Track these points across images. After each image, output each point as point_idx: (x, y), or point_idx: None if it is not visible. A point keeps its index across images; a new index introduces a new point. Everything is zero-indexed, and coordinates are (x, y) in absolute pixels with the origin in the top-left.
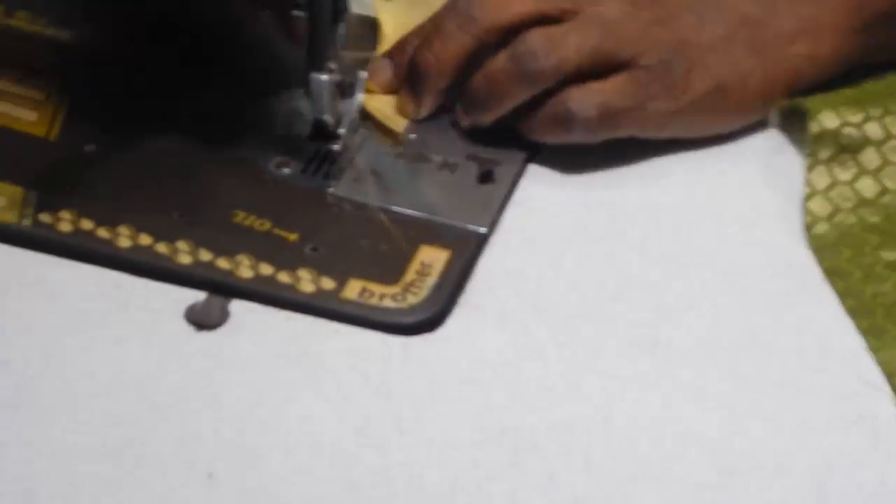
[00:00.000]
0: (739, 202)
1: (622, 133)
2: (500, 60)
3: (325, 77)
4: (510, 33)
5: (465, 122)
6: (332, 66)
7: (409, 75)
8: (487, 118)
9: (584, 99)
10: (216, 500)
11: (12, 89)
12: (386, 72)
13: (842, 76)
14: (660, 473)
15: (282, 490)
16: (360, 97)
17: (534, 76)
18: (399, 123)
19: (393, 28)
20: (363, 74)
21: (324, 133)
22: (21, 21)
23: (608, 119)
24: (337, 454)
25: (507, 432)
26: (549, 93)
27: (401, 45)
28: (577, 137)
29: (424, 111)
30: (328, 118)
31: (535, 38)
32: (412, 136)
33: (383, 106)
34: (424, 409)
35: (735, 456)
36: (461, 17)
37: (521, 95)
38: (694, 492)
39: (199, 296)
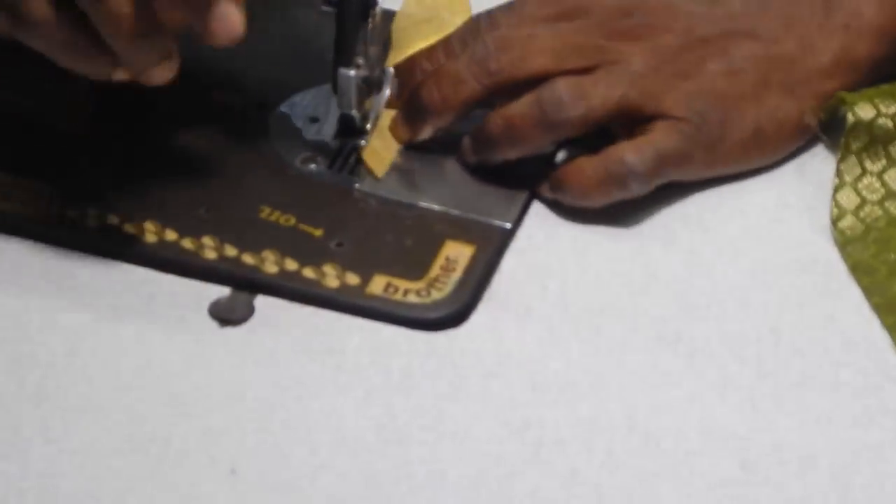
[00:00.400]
0: (766, 197)
1: (667, 179)
2: (523, 106)
3: (352, 72)
4: (526, 85)
5: (472, 159)
6: (360, 61)
7: (410, 104)
8: (494, 160)
9: (639, 151)
10: (239, 496)
11: (40, 85)
12: (402, 128)
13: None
14: (683, 469)
15: (304, 485)
16: (387, 93)
17: (559, 125)
18: (380, 166)
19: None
20: (391, 70)
21: (350, 128)
22: None
23: (662, 166)
24: (360, 449)
25: (530, 427)
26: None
27: (409, 65)
28: (629, 192)
29: (417, 140)
30: (355, 113)
31: (563, 87)
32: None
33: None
34: (448, 404)
35: (758, 451)
36: (477, 66)
37: (540, 143)
38: (717, 487)
39: (223, 291)
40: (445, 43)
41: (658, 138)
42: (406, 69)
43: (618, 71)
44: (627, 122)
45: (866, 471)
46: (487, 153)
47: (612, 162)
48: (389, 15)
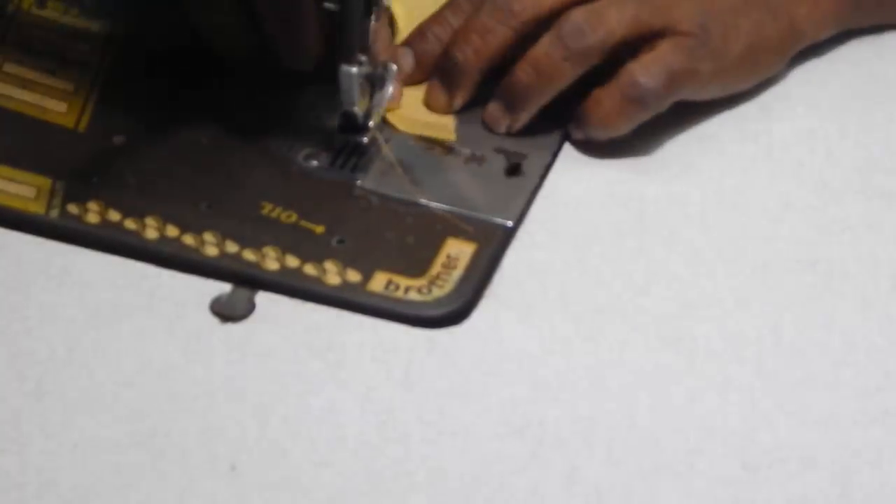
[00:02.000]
0: (766, 196)
1: (679, 96)
2: (545, 45)
3: (354, 69)
4: (548, 23)
5: (504, 121)
6: (362, 58)
7: (443, 69)
8: (530, 111)
9: (649, 70)
10: (239, 493)
11: (42, 80)
12: (408, 62)
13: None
14: (683, 468)
15: (304, 482)
16: (390, 90)
17: (583, 53)
18: (447, 131)
19: (405, 19)
20: (394, 67)
21: (352, 125)
22: (53, 12)
23: (674, 84)
24: (360, 447)
25: (530, 426)
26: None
27: (420, 34)
28: (649, 111)
29: (458, 106)
30: (357, 110)
31: (579, 16)
32: None
33: (414, 113)
34: (448, 402)
35: (759, 451)
36: (499, 10)
37: (568, 77)
38: (717, 486)
39: (224, 287)
40: (451, 4)
41: (666, 55)
42: (418, 37)
43: None
44: (638, 43)
45: (866, 471)
46: (520, 106)
47: (625, 86)
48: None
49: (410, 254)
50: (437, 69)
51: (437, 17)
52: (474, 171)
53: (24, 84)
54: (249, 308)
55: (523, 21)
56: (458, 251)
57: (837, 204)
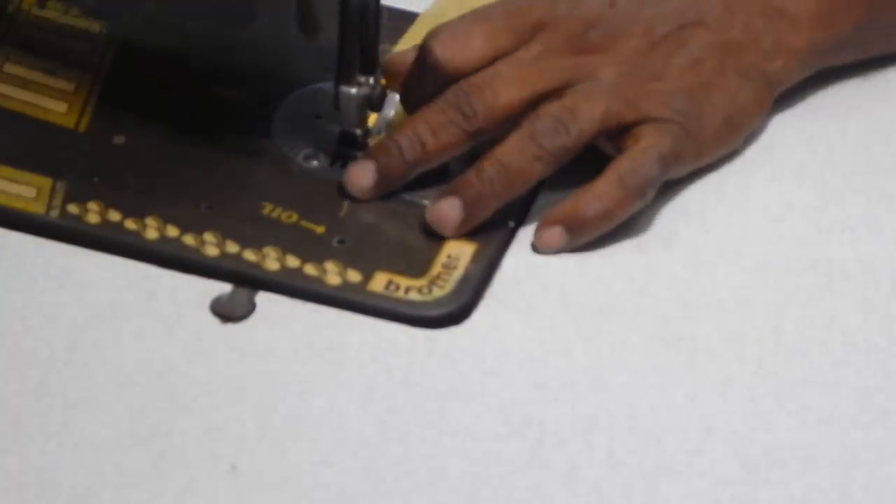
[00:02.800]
0: (767, 197)
1: (665, 178)
2: (514, 144)
3: (353, 90)
4: (504, 122)
5: (451, 223)
6: (361, 78)
7: (382, 151)
8: (487, 211)
9: (645, 159)
10: (239, 492)
11: (42, 80)
12: (367, 178)
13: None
14: (683, 468)
15: (305, 482)
16: (391, 113)
17: (557, 153)
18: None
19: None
20: (395, 97)
21: (352, 143)
22: (53, 12)
23: (666, 167)
24: (360, 447)
25: (531, 426)
26: None
27: (386, 148)
28: (646, 200)
29: (379, 194)
30: (357, 131)
31: (553, 114)
32: None
33: None
34: (448, 402)
35: (759, 451)
36: (456, 111)
37: (539, 177)
38: (717, 486)
39: (225, 288)
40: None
41: (653, 141)
42: (386, 152)
43: (593, 86)
44: (612, 135)
45: (866, 471)
46: (480, 205)
47: (627, 176)
48: (395, 14)
49: (411, 254)
50: (374, 148)
51: (404, 131)
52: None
53: (25, 84)
54: (250, 308)
55: (480, 127)
56: (459, 251)
57: (838, 204)
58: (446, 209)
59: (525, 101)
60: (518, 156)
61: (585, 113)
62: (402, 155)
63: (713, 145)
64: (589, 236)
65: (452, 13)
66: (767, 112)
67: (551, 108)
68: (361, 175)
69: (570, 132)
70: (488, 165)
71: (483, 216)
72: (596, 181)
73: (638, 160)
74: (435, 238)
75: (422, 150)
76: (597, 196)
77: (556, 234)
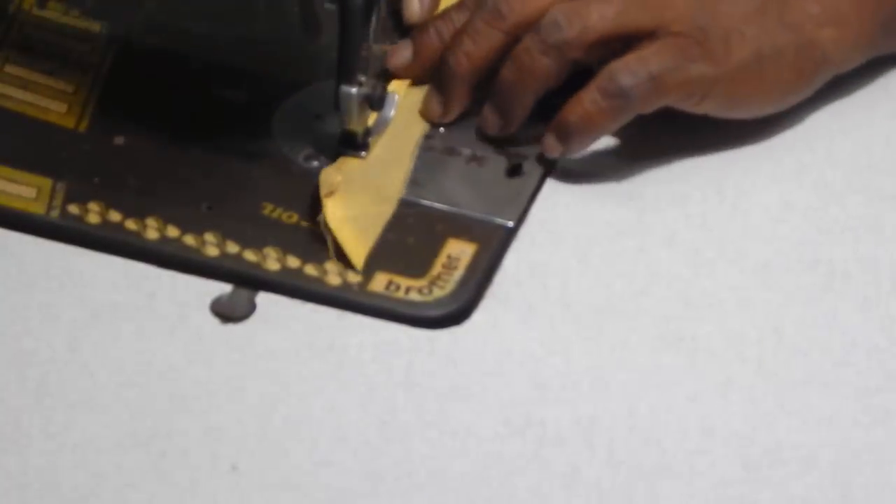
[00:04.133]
0: (767, 197)
1: (669, 99)
2: (525, 42)
3: (353, 90)
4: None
5: (496, 125)
6: (362, 78)
7: (439, 76)
8: (518, 112)
9: (629, 68)
10: (240, 492)
11: (43, 80)
12: (405, 54)
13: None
14: (684, 468)
15: (305, 482)
16: (392, 113)
17: (559, 47)
18: (358, 253)
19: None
20: (396, 96)
21: (352, 143)
22: (53, 12)
23: (656, 84)
24: (361, 447)
25: (531, 426)
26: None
27: (422, 28)
28: (630, 111)
29: (452, 115)
30: (356, 130)
31: (557, 11)
32: (441, 129)
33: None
34: (449, 402)
35: (760, 451)
36: (489, 13)
37: (549, 72)
38: (718, 487)
39: (225, 288)
40: (458, 4)
41: (651, 55)
42: (419, 31)
43: None
44: (628, 43)
45: (867, 471)
46: (509, 105)
47: (604, 82)
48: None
49: (411, 254)
50: (432, 76)
51: (442, 15)
52: (475, 172)
53: (25, 84)
54: (250, 308)
55: (513, 23)
56: (459, 251)
57: (838, 204)
58: (486, 113)
59: (557, 3)
60: (527, 52)
61: (594, 13)
62: (439, 35)
63: (736, 77)
64: (580, 142)
65: None
66: (807, 85)
67: (560, 7)
68: (400, 51)
69: (573, 28)
70: (507, 64)
71: (517, 114)
72: (585, 87)
73: (621, 69)
74: (435, 239)
75: (463, 56)
76: (578, 102)
77: (549, 141)
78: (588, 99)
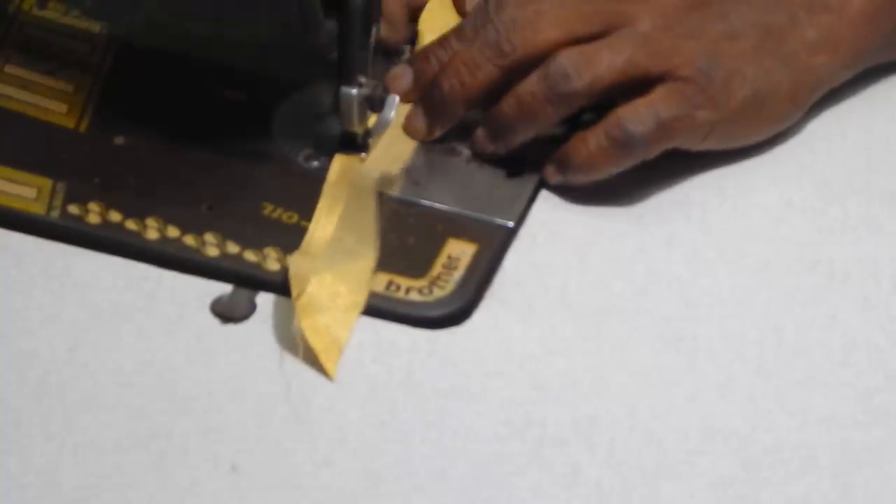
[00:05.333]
0: (768, 197)
1: (673, 143)
2: (531, 83)
3: (354, 91)
4: (541, 60)
5: (488, 148)
6: (362, 79)
7: (429, 97)
8: (512, 143)
9: (638, 115)
10: (240, 493)
11: (43, 81)
12: (406, 79)
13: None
14: (684, 468)
15: (306, 482)
16: (392, 114)
17: (567, 98)
18: (331, 361)
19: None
20: (396, 98)
21: (352, 144)
22: (54, 13)
23: (664, 131)
24: (361, 447)
25: (532, 426)
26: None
27: (422, 54)
28: (635, 158)
29: (435, 135)
30: (356, 131)
31: (567, 59)
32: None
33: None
34: (449, 402)
35: (760, 451)
36: (490, 49)
37: (552, 118)
38: (718, 486)
39: (225, 288)
40: (457, 30)
41: (659, 101)
42: (419, 58)
43: (624, 34)
44: (635, 88)
45: (867, 471)
46: (502, 137)
47: (612, 129)
48: None
49: (411, 254)
50: (424, 97)
51: (441, 41)
52: (475, 172)
53: (25, 85)
54: (250, 309)
55: (513, 60)
56: (460, 252)
57: (838, 204)
58: (480, 136)
59: (562, 42)
60: (532, 95)
61: (605, 60)
62: (441, 63)
63: (736, 118)
64: (582, 179)
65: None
66: (802, 109)
67: (571, 53)
68: (399, 79)
69: (584, 78)
70: (508, 100)
71: (510, 144)
72: (592, 128)
73: (630, 115)
74: (435, 239)
75: (457, 85)
76: (583, 142)
77: (551, 170)
78: (594, 142)
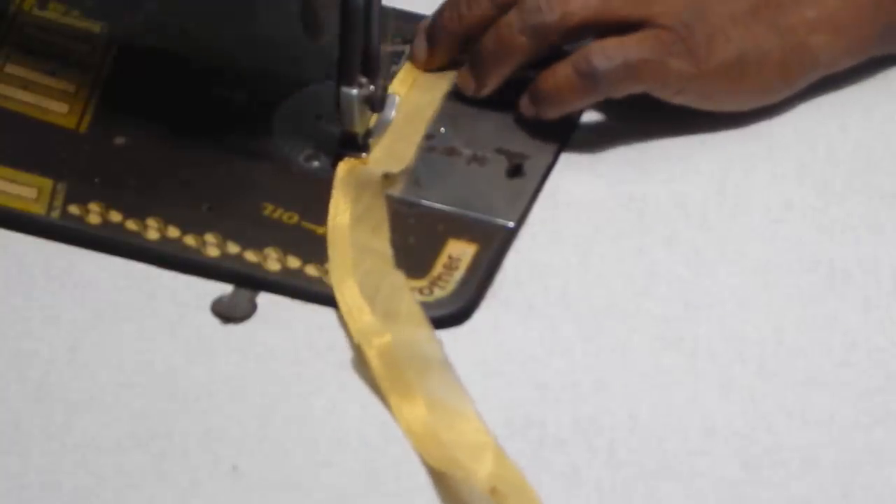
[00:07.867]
0: (768, 197)
1: (642, 87)
2: (508, 15)
3: (354, 91)
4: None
5: (469, 88)
6: (363, 80)
7: (429, 30)
8: (492, 78)
9: (605, 52)
10: (241, 493)
11: (43, 81)
12: (422, 45)
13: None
14: (685, 468)
15: (306, 483)
16: (392, 114)
17: (538, 30)
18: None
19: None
20: (396, 98)
21: (352, 144)
22: (54, 13)
23: (630, 71)
24: (361, 447)
25: (532, 426)
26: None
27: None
28: (599, 93)
29: (433, 65)
30: (357, 131)
31: None
32: (442, 129)
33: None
34: None
35: (760, 452)
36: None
37: (526, 52)
38: (719, 487)
39: (226, 288)
40: None
41: (631, 42)
42: (437, 17)
43: None
44: (614, 31)
45: (868, 471)
46: (483, 72)
47: (579, 60)
48: (396, 14)
49: (412, 255)
50: (470, 60)
51: (449, 4)
52: (476, 172)
53: (25, 85)
54: (251, 309)
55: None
56: (460, 252)
57: (839, 204)
58: (463, 74)
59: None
60: (507, 27)
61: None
62: (443, 21)
63: (716, 77)
64: (553, 111)
65: None
66: (791, 86)
67: None
68: (417, 51)
69: (554, 13)
70: (488, 34)
71: (491, 82)
72: (563, 59)
73: (598, 50)
74: (435, 239)
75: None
76: (553, 72)
77: (524, 103)
78: (561, 73)
